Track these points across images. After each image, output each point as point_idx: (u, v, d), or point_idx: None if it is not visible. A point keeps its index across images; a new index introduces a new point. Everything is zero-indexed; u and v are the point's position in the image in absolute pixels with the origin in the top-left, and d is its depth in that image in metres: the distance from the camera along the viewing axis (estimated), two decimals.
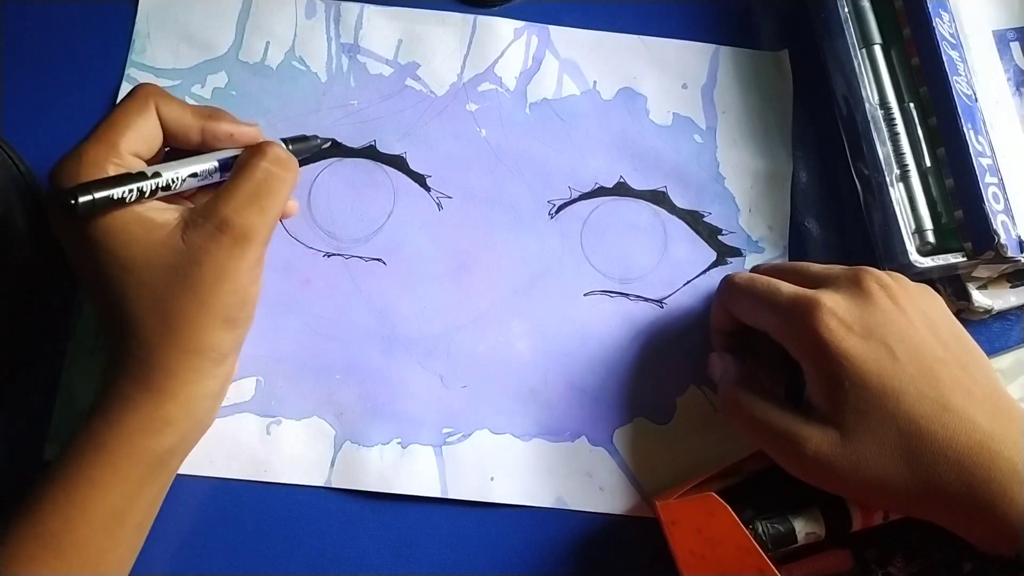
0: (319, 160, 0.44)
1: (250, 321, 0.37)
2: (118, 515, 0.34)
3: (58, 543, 0.33)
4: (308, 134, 0.42)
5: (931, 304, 0.35)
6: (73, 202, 0.32)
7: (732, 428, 0.40)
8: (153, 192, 0.34)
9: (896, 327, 0.32)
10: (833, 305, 0.33)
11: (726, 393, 0.37)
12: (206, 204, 0.35)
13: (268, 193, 0.36)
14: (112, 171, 0.34)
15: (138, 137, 0.35)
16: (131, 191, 0.33)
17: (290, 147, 0.40)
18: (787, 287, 0.36)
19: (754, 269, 0.40)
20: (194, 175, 0.36)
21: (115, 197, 0.33)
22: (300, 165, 0.38)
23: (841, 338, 0.32)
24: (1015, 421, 0.31)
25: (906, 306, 0.33)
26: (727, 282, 0.39)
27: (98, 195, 0.32)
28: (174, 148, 0.37)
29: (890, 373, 0.31)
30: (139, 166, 0.35)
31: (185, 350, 0.34)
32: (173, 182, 0.35)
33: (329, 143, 0.44)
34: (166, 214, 0.35)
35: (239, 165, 0.36)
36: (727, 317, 0.39)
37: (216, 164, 0.37)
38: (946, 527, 0.32)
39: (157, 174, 0.34)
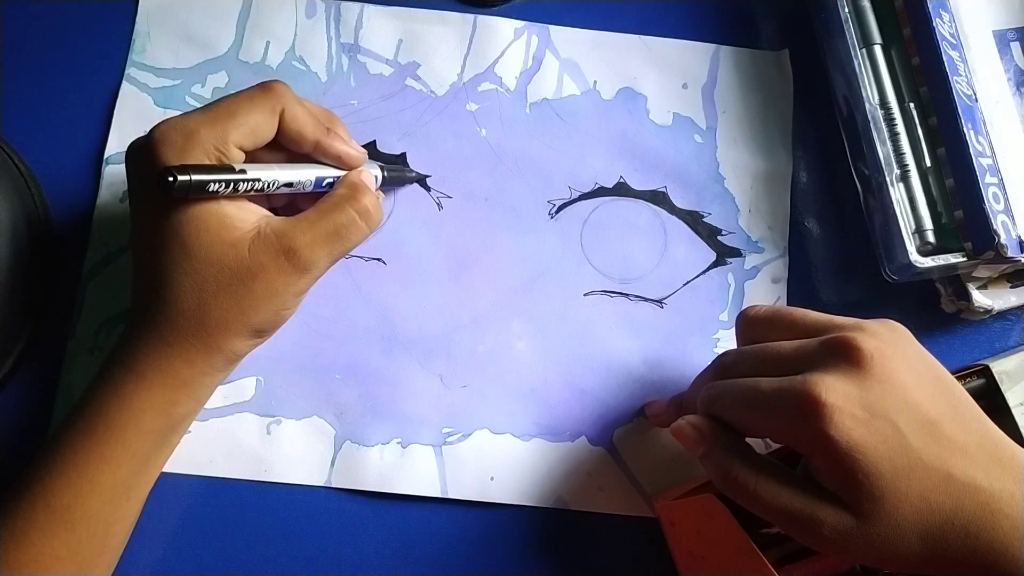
0: None
1: (273, 334, 0.38)
2: (126, 489, 0.36)
3: (70, 515, 0.34)
4: (406, 168, 0.43)
5: (912, 349, 0.34)
6: (171, 180, 0.31)
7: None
8: (246, 191, 0.34)
9: (894, 397, 0.31)
10: (835, 399, 0.31)
11: (726, 473, 0.33)
12: (283, 223, 0.35)
13: (344, 239, 0.37)
14: (213, 157, 0.34)
15: (250, 133, 0.35)
16: (227, 184, 0.33)
17: (385, 175, 0.41)
18: (767, 383, 0.33)
19: (744, 312, 0.38)
20: (289, 184, 0.36)
21: (210, 188, 0.33)
22: None
23: (850, 429, 0.31)
24: (1009, 468, 0.31)
25: (897, 366, 0.32)
26: (706, 389, 0.36)
27: (195, 179, 0.32)
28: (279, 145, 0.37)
29: (899, 452, 0.31)
30: (239, 157, 0.35)
31: (211, 348, 0.35)
32: (268, 186, 0.35)
33: (426, 177, 0.44)
34: (244, 214, 0.35)
35: (330, 198, 0.37)
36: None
37: (313, 180, 0.37)
38: None
39: (257, 178, 0.34)
